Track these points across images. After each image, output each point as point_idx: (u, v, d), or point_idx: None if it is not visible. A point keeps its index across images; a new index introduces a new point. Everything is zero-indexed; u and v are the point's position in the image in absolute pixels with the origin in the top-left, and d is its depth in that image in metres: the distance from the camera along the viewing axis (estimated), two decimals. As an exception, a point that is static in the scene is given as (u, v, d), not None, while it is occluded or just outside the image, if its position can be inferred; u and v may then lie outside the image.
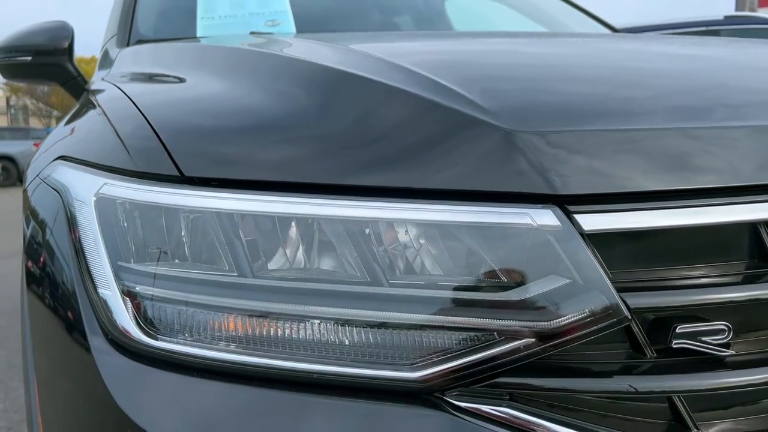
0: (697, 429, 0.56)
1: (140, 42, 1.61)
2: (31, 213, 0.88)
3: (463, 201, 0.58)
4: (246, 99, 0.78)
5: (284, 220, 0.61)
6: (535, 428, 0.55)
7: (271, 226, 0.61)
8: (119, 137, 0.76)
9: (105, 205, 0.69)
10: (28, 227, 0.88)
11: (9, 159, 17.71)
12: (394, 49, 0.99)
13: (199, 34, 1.62)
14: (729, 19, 4.65)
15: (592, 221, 0.56)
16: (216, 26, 1.65)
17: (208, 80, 0.90)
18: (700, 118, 0.63)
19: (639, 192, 0.57)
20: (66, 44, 1.75)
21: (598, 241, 0.57)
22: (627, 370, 0.57)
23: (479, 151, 0.59)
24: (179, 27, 1.67)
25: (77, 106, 1.30)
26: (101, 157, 0.75)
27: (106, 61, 1.61)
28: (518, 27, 2.18)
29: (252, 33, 1.57)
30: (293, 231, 0.61)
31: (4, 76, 1.83)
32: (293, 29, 1.62)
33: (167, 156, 0.66)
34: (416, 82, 0.68)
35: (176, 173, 0.65)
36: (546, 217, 0.56)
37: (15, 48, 1.75)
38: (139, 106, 0.81)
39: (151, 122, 0.74)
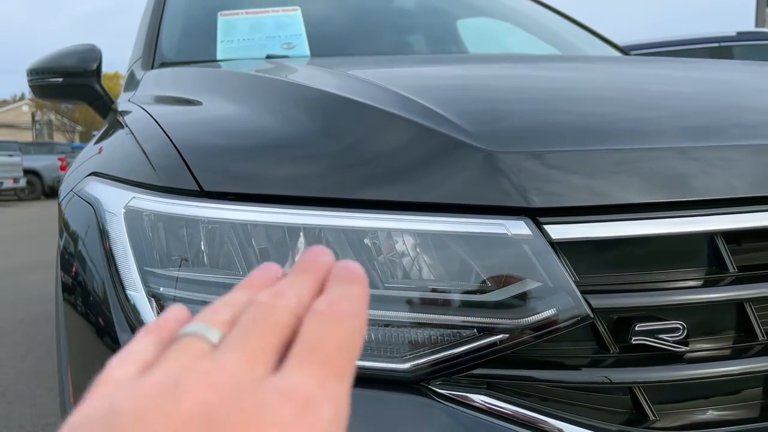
0: (656, 417, 0.63)
1: (164, 64, 1.71)
2: (65, 223, 0.97)
3: (447, 213, 0.65)
4: (257, 121, 0.87)
5: (292, 230, 0.69)
6: (509, 414, 0.62)
7: (280, 235, 0.70)
8: (146, 155, 0.85)
9: (133, 217, 0.77)
10: (62, 236, 0.97)
11: (34, 173, 18.09)
12: (392, 74, 1.07)
13: (219, 56, 1.72)
14: (742, 35, 4.68)
15: (560, 231, 0.63)
16: (235, 49, 1.75)
17: (223, 104, 1.00)
18: (662, 139, 0.70)
19: (603, 205, 0.65)
20: (95, 66, 1.86)
21: (566, 248, 0.64)
22: (593, 364, 0.65)
23: (462, 169, 0.67)
24: (200, 50, 1.78)
25: (106, 126, 1.40)
26: (130, 173, 0.84)
27: (132, 82, 1.71)
28: (528, 48, 2.26)
29: (268, 56, 1.67)
30: (300, 239, 0.69)
31: (36, 96, 1.94)
32: (308, 52, 1.72)
33: (189, 173, 0.75)
34: (407, 107, 0.76)
35: (197, 188, 0.73)
36: (519, 228, 0.63)
37: (47, 70, 1.86)
38: (162, 126, 0.90)
39: (174, 142, 0.82)
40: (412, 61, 1.43)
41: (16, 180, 16.76)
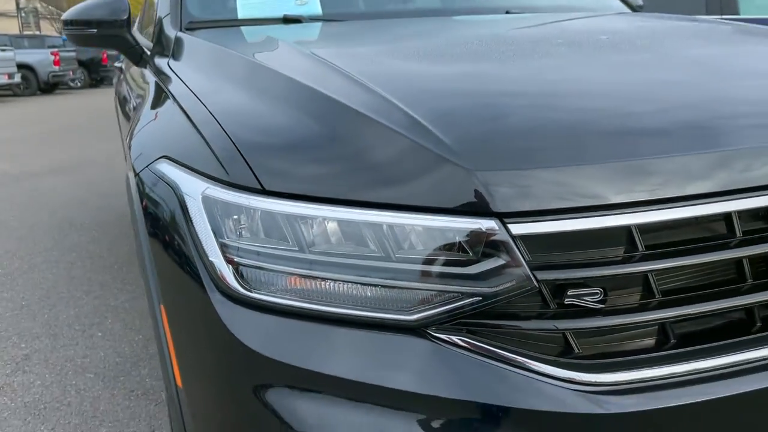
0: (579, 350, 0.94)
1: (191, 23, 1.91)
2: (148, 197, 1.24)
3: (443, 214, 0.93)
4: (289, 130, 1.12)
5: (327, 219, 0.97)
6: (481, 348, 0.93)
7: (319, 222, 0.98)
8: (212, 150, 1.11)
9: (209, 202, 1.05)
10: (148, 209, 1.24)
11: (28, 68, 17.92)
12: (391, 71, 1.31)
13: (239, 14, 1.92)
14: None
15: (519, 228, 0.92)
16: (253, 5, 1.94)
17: (255, 98, 1.25)
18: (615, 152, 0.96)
19: (550, 209, 0.92)
20: (125, 16, 2.05)
21: (523, 239, 0.92)
22: (539, 316, 0.95)
23: (450, 182, 0.94)
24: (223, 7, 1.97)
25: (154, 92, 1.64)
26: (201, 165, 1.11)
27: (165, 41, 1.92)
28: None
29: (285, 17, 1.86)
30: (335, 226, 0.97)
31: (74, 44, 2.14)
32: (319, 10, 1.91)
33: (252, 173, 1.02)
34: (402, 123, 1.02)
35: (258, 186, 1.01)
36: (490, 225, 0.92)
37: (81, 21, 2.05)
38: (213, 113, 1.17)
39: (231, 138, 1.09)
40: (411, 40, 1.63)
41: (10, 76, 16.68)
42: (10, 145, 8.97)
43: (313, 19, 1.93)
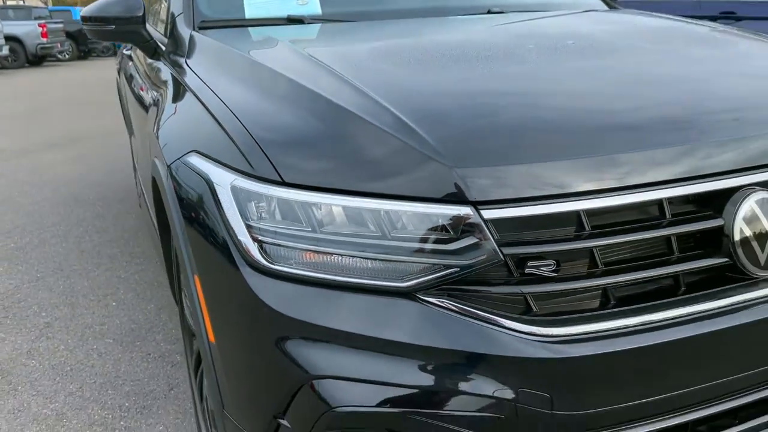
0: (537, 309, 1.19)
1: (203, 22, 2.11)
2: (181, 186, 1.46)
3: (427, 202, 1.17)
4: (299, 128, 1.35)
5: (335, 205, 1.20)
6: (459, 309, 1.17)
7: (328, 207, 1.21)
8: (237, 146, 1.33)
9: (236, 191, 1.28)
10: (180, 195, 1.46)
11: (16, 40, 17.82)
12: (387, 79, 1.54)
13: (246, 14, 2.12)
14: None
15: (489, 213, 1.15)
16: (259, 5, 2.14)
17: (272, 104, 1.47)
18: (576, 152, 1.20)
19: (514, 198, 1.16)
20: (140, 13, 2.24)
21: (493, 221, 1.16)
22: (506, 282, 1.19)
23: (435, 176, 1.17)
24: (232, 6, 2.17)
25: (174, 88, 1.85)
26: (228, 159, 1.33)
27: (179, 38, 2.12)
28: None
29: (289, 17, 2.07)
30: (341, 211, 1.21)
31: (93, 38, 2.33)
32: (319, 10, 2.11)
33: (273, 168, 1.25)
34: (393, 125, 1.25)
35: (279, 179, 1.23)
36: (466, 211, 1.15)
37: (99, 18, 2.24)
38: (240, 119, 1.38)
39: (256, 140, 1.31)
40: (402, 41, 1.84)
41: (-2, 48, 16.60)
42: (4, 121, 9.07)
43: (315, 18, 2.15)
